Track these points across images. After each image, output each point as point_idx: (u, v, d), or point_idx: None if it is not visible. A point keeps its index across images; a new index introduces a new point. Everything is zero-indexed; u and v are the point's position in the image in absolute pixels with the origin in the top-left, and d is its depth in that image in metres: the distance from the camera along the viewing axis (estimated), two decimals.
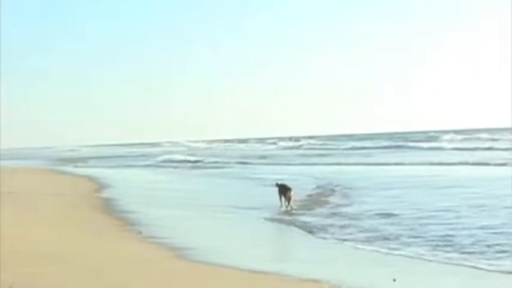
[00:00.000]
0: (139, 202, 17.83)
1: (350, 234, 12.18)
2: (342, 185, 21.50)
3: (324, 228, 12.82)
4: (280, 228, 13.70)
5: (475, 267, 9.23)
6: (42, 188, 22.35)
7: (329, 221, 13.82)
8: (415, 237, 11.63)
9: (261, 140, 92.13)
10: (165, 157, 49.52)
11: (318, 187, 21.20)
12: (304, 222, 13.71)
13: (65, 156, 67.05)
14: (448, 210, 14.60)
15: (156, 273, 8.37)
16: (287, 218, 14.66)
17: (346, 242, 11.45)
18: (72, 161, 53.03)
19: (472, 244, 10.76)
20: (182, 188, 24.22)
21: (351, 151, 52.48)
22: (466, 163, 30.99)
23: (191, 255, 9.85)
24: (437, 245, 10.81)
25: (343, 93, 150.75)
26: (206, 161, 44.82)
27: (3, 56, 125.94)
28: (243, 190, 22.47)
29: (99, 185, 23.21)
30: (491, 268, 9.14)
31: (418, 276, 9.01)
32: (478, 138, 58.67)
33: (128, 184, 25.73)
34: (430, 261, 9.79)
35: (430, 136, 67.87)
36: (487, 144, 46.51)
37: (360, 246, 11.08)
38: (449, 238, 11.35)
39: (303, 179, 24.33)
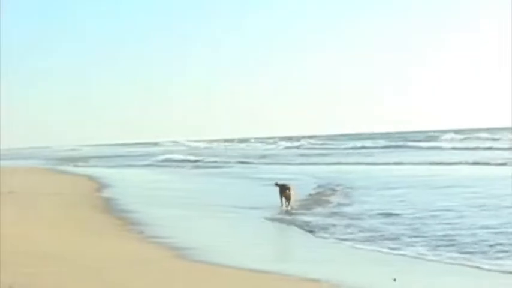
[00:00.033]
0: (140, 202, 17.84)
1: (350, 234, 12.16)
2: (343, 184, 21.49)
3: (324, 228, 12.80)
4: (281, 228, 13.69)
5: (477, 267, 9.21)
6: (42, 187, 22.35)
7: (329, 220, 13.80)
8: (416, 236, 11.61)
9: (262, 140, 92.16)
10: (166, 157, 49.52)
11: (319, 186, 21.19)
12: (305, 222, 13.69)
13: (65, 156, 67.09)
14: (448, 210, 14.58)
15: (156, 273, 8.37)
16: (287, 217, 14.65)
17: (346, 242, 11.43)
18: (73, 160, 53.04)
19: (473, 244, 10.74)
20: (183, 188, 24.22)
21: (351, 151, 52.45)
22: (466, 163, 30.98)
23: (191, 254, 9.85)
24: (438, 245, 10.79)
25: (343, 93, 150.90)
26: (206, 160, 44.79)
27: (3, 56, 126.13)
28: (244, 190, 22.47)
29: (100, 185, 23.22)
30: (492, 268, 9.12)
31: (419, 275, 8.99)
32: (478, 138, 58.73)
33: (128, 184, 25.74)
34: (430, 261, 9.77)
35: (430, 136, 67.89)
36: (487, 144, 46.49)
37: (360, 246, 11.06)
38: (450, 238, 11.33)
39: (303, 178, 24.32)
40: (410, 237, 11.60)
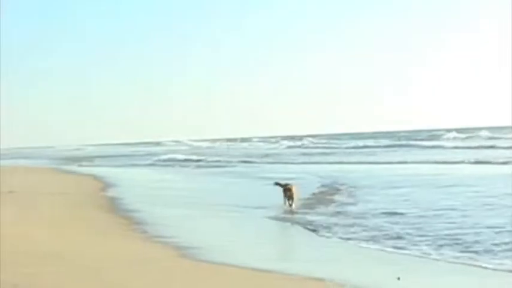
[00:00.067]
0: (144, 201, 17.87)
1: (354, 233, 12.16)
2: (347, 183, 21.49)
3: (328, 227, 12.81)
4: (284, 227, 13.71)
5: (481, 266, 9.21)
6: (47, 187, 22.39)
7: (333, 219, 13.80)
8: (420, 235, 11.60)
9: (264, 139, 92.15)
10: (168, 156, 49.53)
11: (323, 186, 21.21)
12: (309, 221, 13.70)
13: (69, 155, 67.18)
14: (452, 209, 14.59)
15: (160, 272, 8.39)
16: (291, 216, 14.66)
17: (350, 241, 11.45)
18: (77, 160, 53.11)
19: (477, 243, 10.73)
20: (186, 187, 24.26)
21: (353, 150, 52.43)
22: (469, 161, 31.01)
23: (195, 254, 9.86)
24: (442, 244, 10.78)
25: (343, 93, 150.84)
26: (209, 160, 44.81)
27: (3, 56, 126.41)
28: (247, 189, 22.50)
29: (104, 184, 23.26)
30: (497, 267, 9.13)
31: (423, 274, 8.99)
32: (480, 137, 58.73)
33: (132, 183, 25.77)
34: (434, 260, 9.78)
35: (433, 135, 67.88)
36: (489, 143, 46.49)
37: (364, 245, 11.07)
38: (454, 237, 11.33)
39: (307, 177, 24.34)
40: (415, 236, 11.60)
